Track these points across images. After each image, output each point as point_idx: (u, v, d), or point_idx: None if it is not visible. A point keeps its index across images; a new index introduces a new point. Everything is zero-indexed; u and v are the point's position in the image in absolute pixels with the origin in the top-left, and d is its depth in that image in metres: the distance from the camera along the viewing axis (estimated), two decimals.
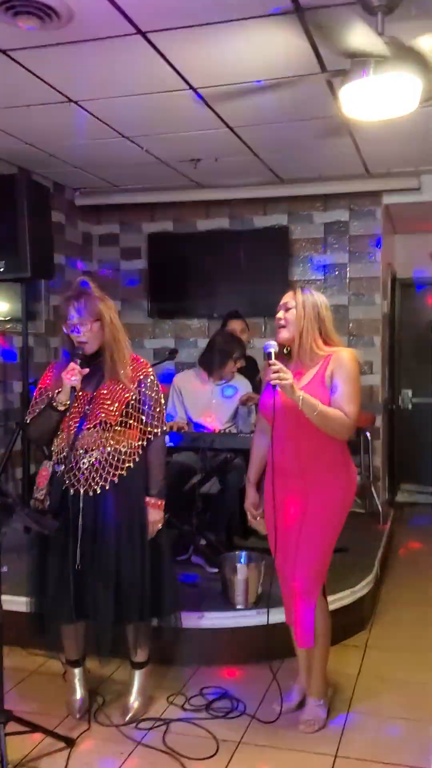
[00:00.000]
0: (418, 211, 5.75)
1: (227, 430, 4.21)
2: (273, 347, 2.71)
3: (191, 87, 3.66)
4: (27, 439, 2.91)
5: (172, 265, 6.06)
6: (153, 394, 2.89)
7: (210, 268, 5.97)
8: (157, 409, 2.89)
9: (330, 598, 3.63)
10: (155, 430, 2.89)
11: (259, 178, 5.48)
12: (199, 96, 3.76)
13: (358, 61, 2.77)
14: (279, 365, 2.66)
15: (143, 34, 3.08)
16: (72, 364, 2.72)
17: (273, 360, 2.68)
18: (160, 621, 3.02)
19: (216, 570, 4.00)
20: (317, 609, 2.86)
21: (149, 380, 2.89)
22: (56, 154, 4.91)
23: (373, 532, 5.03)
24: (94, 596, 2.79)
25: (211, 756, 2.73)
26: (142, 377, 2.88)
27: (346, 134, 4.45)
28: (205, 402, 4.46)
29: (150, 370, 2.93)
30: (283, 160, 5.06)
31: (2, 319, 5.17)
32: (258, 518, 3.22)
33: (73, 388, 2.70)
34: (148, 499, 2.88)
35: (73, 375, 2.69)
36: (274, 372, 2.64)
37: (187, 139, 4.53)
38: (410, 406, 7.04)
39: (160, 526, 2.92)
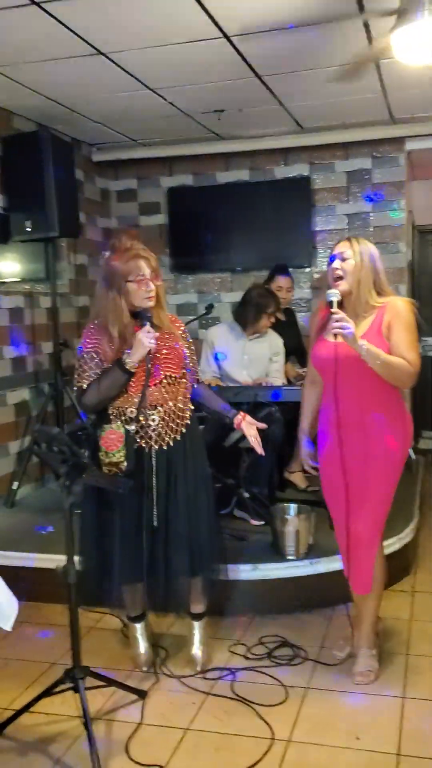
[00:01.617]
0: None
1: (268, 383, 4.22)
2: (335, 296, 2.70)
3: (225, 35, 3.55)
4: (82, 405, 2.86)
5: (193, 219, 5.97)
6: (192, 346, 3.01)
7: (231, 221, 5.88)
8: (195, 359, 3.04)
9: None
10: (198, 377, 3.05)
11: (281, 128, 5.36)
12: (232, 44, 3.65)
13: (408, 2, 2.69)
14: (342, 314, 2.65)
15: None
16: (148, 326, 2.72)
17: (335, 309, 2.66)
18: (214, 573, 3.07)
19: (261, 522, 4.05)
20: (376, 556, 2.91)
21: (184, 331, 3.00)
22: (77, 110, 4.79)
23: (405, 479, 5.06)
24: (168, 553, 2.83)
25: (282, 702, 2.81)
26: (181, 329, 2.97)
27: (375, 79, 4.35)
28: (238, 357, 4.46)
29: (180, 321, 3.04)
30: (307, 108, 4.93)
31: (25, 278, 5.11)
32: (302, 470, 3.22)
33: (148, 350, 2.71)
34: (236, 418, 3.01)
35: (152, 337, 2.71)
36: (337, 321, 2.63)
37: (213, 89, 4.41)
38: (431, 354, 7.03)
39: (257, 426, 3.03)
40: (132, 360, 2.72)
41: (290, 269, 5.25)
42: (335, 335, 2.65)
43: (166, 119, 5.03)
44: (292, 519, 3.63)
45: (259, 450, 3.01)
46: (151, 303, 2.78)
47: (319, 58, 3.92)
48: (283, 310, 4.92)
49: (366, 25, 3.49)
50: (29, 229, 4.65)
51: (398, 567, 3.90)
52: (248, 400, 3.89)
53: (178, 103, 4.68)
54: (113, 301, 2.77)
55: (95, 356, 2.82)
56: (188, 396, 2.94)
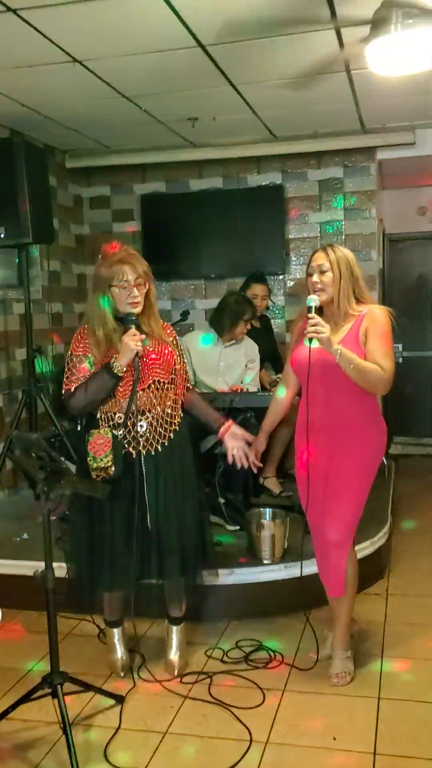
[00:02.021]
0: (412, 166, 5.76)
1: (245, 389, 4.25)
2: (315, 302, 2.75)
3: (199, 43, 3.59)
4: (69, 408, 2.86)
5: (166, 227, 6.00)
6: (182, 353, 3.02)
7: (204, 228, 5.93)
8: (186, 366, 3.04)
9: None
10: (189, 384, 3.05)
11: (254, 136, 5.42)
12: (206, 52, 3.70)
13: (383, 14, 2.75)
14: (317, 319, 2.69)
15: None
16: (133, 329, 2.72)
17: (312, 314, 2.71)
18: (200, 578, 3.08)
19: (237, 527, 4.08)
20: (349, 559, 2.95)
21: (176, 337, 3.01)
22: (52, 116, 4.80)
23: (378, 484, 5.12)
24: (159, 558, 2.85)
25: (260, 704, 2.83)
26: (171, 335, 2.98)
27: (346, 89, 4.43)
28: (213, 363, 4.49)
29: (172, 327, 3.06)
30: (280, 117, 5.01)
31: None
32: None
33: (135, 354, 2.71)
34: (222, 429, 3.00)
35: (138, 341, 2.71)
36: (312, 325, 2.67)
37: (187, 97, 4.46)
38: (401, 360, 7.11)
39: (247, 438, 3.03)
40: (119, 364, 2.72)
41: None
42: (310, 339, 2.70)
43: (141, 126, 5.07)
44: (268, 524, 3.66)
45: (239, 464, 3.00)
46: (135, 309, 2.79)
47: (291, 68, 3.98)
48: (259, 317, 4.96)
49: (338, 33, 3.54)
50: (2, 235, 4.63)
51: (372, 570, 3.96)
52: (224, 406, 3.90)
53: (152, 110, 4.71)
54: (98, 305, 2.80)
55: (83, 360, 2.83)
56: (178, 402, 2.93)
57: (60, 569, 2.92)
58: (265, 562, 3.64)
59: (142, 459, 2.81)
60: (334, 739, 2.59)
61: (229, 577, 3.58)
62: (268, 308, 5.29)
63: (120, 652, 3.13)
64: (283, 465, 4.83)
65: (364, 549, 3.84)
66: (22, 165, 4.52)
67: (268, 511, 3.79)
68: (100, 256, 2.86)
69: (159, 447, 2.84)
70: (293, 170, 5.84)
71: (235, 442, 2.99)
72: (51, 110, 4.68)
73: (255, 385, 4.58)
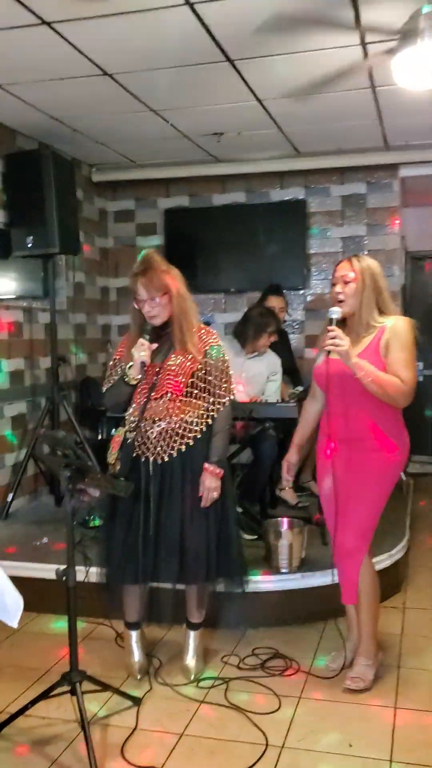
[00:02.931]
0: None
1: (264, 400, 4.28)
2: (336, 314, 2.76)
3: (228, 58, 3.67)
4: (104, 407, 3.00)
5: (189, 241, 6.08)
6: (219, 364, 2.92)
7: (226, 242, 6.01)
8: (223, 379, 2.93)
9: (378, 558, 3.75)
10: (221, 400, 2.92)
11: (278, 151, 5.49)
12: (235, 67, 3.78)
13: (411, 26, 2.80)
14: (336, 331, 2.71)
15: (190, 5, 3.10)
16: (141, 340, 2.78)
17: (332, 326, 2.73)
18: (227, 585, 3.10)
19: (254, 537, 4.08)
20: (363, 568, 2.94)
21: (215, 350, 2.93)
22: (80, 129, 4.90)
23: (397, 500, 5.12)
24: (157, 561, 2.88)
25: (275, 710, 2.83)
26: (208, 348, 2.92)
27: (371, 106, 4.49)
28: (235, 374, 4.49)
29: (216, 340, 2.97)
30: (304, 133, 5.08)
31: (23, 296, 5.18)
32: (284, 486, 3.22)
33: (142, 363, 2.77)
34: (206, 465, 2.91)
35: (143, 350, 2.75)
36: (331, 338, 2.70)
37: (214, 112, 4.54)
38: (421, 378, 7.13)
39: (216, 495, 2.91)
40: (130, 373, 2.80)
41: (284, 291, 5.35)
42: (329, 351, 2.72)
43: (166, 141, 5.15)
44: (285, 533, 3.67)
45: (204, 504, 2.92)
46: (153, 322, 2.86)
47: (315, 80, 4.03)
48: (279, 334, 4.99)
49: (363, 43, 3.57)
50: (30, 245, 4.73)
51: (390, 583, 3.94)
52: (243, 416, 3.94)
53: (179, 125, 4.80)
54: (130, 316, 2.98)
55: (118, 364, 2.95)
56: (202, 416, 2.89)
57: (79, 573, 2.97)
58: (282, 571, 3.65)
59: (150, 465, 2.86)
60: (350, 745, 2.59)
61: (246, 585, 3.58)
62: (284, 321, 5.32)
63: (137, 655, 3.14)
64: (298, 478, 4.83)
65: (382, 562, 3.83)
66: (50, 176, 4.63)
67: (285, 521, 3.80)
68: None
69: (167, 457, 2.87)
70: (316, 185, 5.90)
71: (212, 483, 2.90)
72: (80, 123, 4.79)
73: (276, 397, 4.60)
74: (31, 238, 4.71)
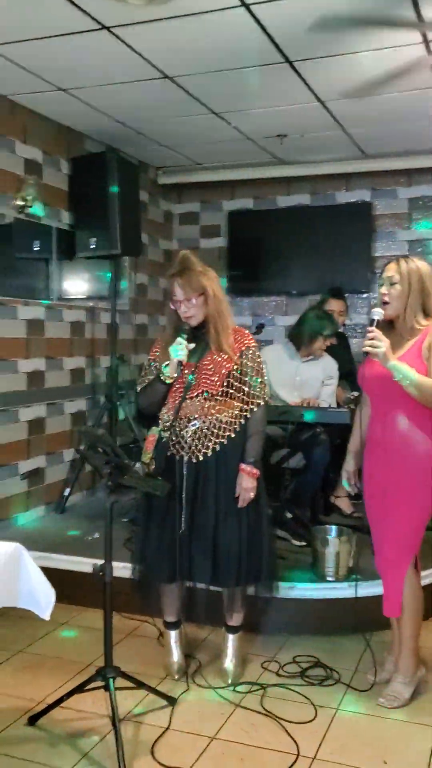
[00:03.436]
0: None
1: (317, 404, 4.22)
2: (378, 315, 2.71)
3: (287, 59, 3.64)
4: (138, 407, 3.03)
5: (252, 243, 6.08)
6: (254, 365, 2.93)
7: (290, 244, 5.96)
8: (259, 380, 2.93)
9: (426, 572, 3.64)
10: (256, 401, 2.93)
11: (343, 153, 5.42)
12: (294, 68, 3.75)
13: None
14: (375, 333, 2.65)
15: (246, 6, 3.09)
16: (179, 339, 2.79)
17: (371, 327, 2.68)
18: (257, 589, 3.08)
19: (303, 543, 4.04)
20: (406, 581, 2.86)
21: (251, 351, 2.93)
22: (144, 132, 4.96)
23: None
24: (191, 560, 2.89)
25: (311, 721, 2.78)
26: (244, 348, 2.93)
27: None
28: (290, 378, 4.46)
29: (252, 341, 2.97)
30: (369, 134, 4.99)
31: (88, 296, 5.30)
32: (348, 495, 3.18)
33: (179, 362, 2.78)
34: (243, 465, 2.92)
35: (181, 349, 2.77)
36: (369, 339, 2.65)
37: (276, 113, 4.52)
38: None
39: (251, 495, 2.93)
40: (166, 371, 2.82)
41: (348, 294, 5.27)
42: (366, 353, 2.68)
43: (230, 143, 5.16)
44: (333, 540, 3.61)
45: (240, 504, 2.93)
46: (191, 322, 2.87)
47: (376, 80, 3.95)
48: (336, 335, 4.92)
49: (425, 40, 3.48)
50: (93, 247, 4.82)
51: None
52: (294, 420, 3.90)
53: (241, 127, 4.80)
54: (166, 316, 3.00)
55: (153, 364, 2.98)
56: (237, 416, 2.91)
57: (125, 569, 3.02)
58: (328, 579, 3.59)
59: (184, 464, 2.87)
60: (385, 762, 2.52)
61: (290, 591, 3.54)
62: (344, 324, 5.23)
63: (176, 655, 3.16)
64: (327, 495, 4.72)
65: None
66: (114, 179, 4.71)
67: (334, 528, 3.74)
68: None
69: (201, 456, 2.87)
70: (382, 188, 5.79)
71: (248, 484, 2.91)
72: (144, 126, 4.85)
73: (329, 402, 4.53)
74: (95, 239, 4.80)
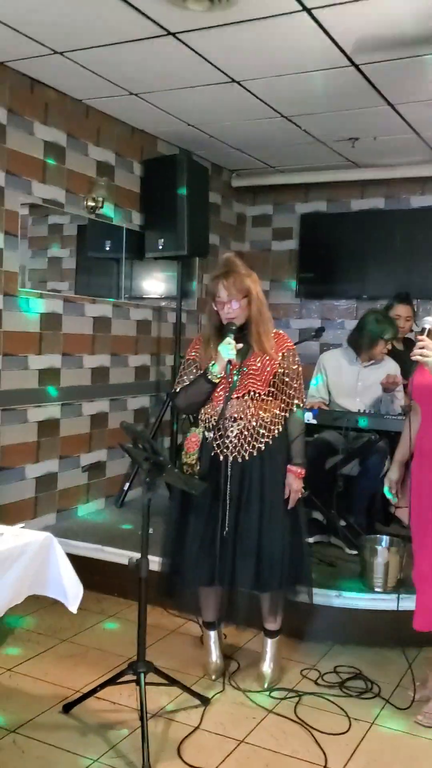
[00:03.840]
0: None
1: (371, 411, 4.14)
2: (430, 323, 2.65)
3: (353, 63, 3.60)
4: (175, 407, 3.05)
5: (323, 246, 6.02)
6: (295, 367, 2.99)
7: (362, 249, 5.87)
8: (299, 382, 3.00)
9: None
10: (297, 402, 2.99)
11: (418, 156, 5.29)
12: (359, 70, 3.70)
13: None
14: (426, 341, 2.59)
15: (308, 10, 3.07)
16: (228, 339, 2.81)
17: (423, 336, 2.62)
18: (292, 594, 3.06)
19: (356, 552, 3.98)
20: None
21: (291, 353, 2.99)
22: (216, 135, 5.00)
23: None
24: (234, 562, 2.89)
25: (343, 733, 2.75)
26: (284, 350, 2.97)
27: None
28: (351, 383, 4.39)
29: (291, 344, 3.03)
30: None
31: (159, 294, 5.40)
32: (399, 505, 3.13)
33: (229, 362, 2.80)
34: (291, 467, 2.96)
35: (231, 349, 2.79)
36: (419, 347, 2.59)
37: (345, 117, 4.47)
38: None
39: (299, 495, 2.98)
40: (214, 371, 2.83)
41: (421, 300, 5.15)
42: (416, 362, 2.62)
43: (302, 146, 5.13)
44: (382, 551, 3.54)
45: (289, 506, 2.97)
46: (234, 323, 2.87)
47: None
48: (402, 340, 4.82)
49: None
50: (161, 247, 4.91)
51: None
52: (349, 426, 3.85)
53: (312, 130, 4.77)
54: (207, 315, 3.01)
55: (192, 364, 2.99)
56: (279, 417, 2.95)
57: (158, 564, 3.06)
58: (376, 589, 3.53)
59: (229, 464, 2.88)
60: None
61: (336, 599, 3.51)
62: (411, 330, 5.10)
63: (215, 655, 3.17)
64: (386, 504, 4.61)
65: None
66: (184, 181, 4.77)
67: (385, 538, 3.66)
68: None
69: (246, 455, 2.88)
70: None
71: (291, 486, 2.96)
72: (214, 130, 4.88)
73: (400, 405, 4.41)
74: (162, 240, 4.88)
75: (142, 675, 2.66)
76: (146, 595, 2.73)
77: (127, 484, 4.94)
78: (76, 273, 4.69)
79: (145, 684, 2.66)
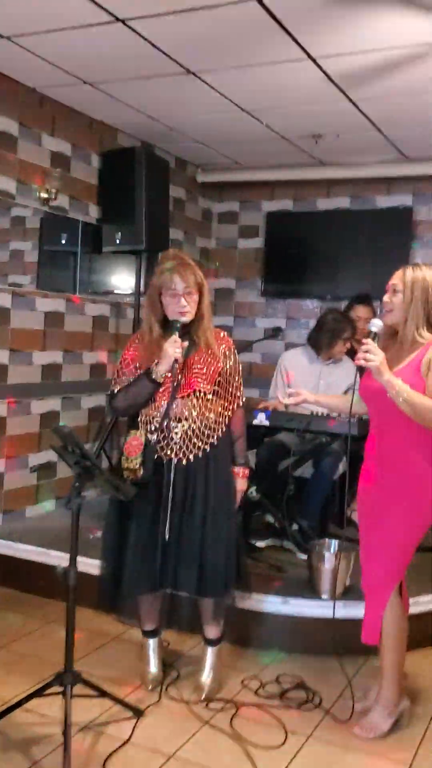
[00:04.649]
0: None
1: (326, 414, 4.05)
2: (375, 326, 2.57)
3: (309, 56, 3.51)
4: (113, 409, 2.92)
5: (289, 245, 5.94)
6: (237, 365, 2.92)
7: (327, 248, 5.80)
8: (239, 380, 2.93)
9: (425, 598, 3.47)
10: (238, 400, 2.92)
11: (383, 156, 5.23)
12: (320, 67, 3.61)
13: None
14: (370, 345, 2.51)
15: (259, 1, 2.98)
16: (174, 337, 2.70)
17: (368, 339, 2.54)
18: (233, 600, 2.97)
19: (306, 557, 3.89)
20: (388, 608, 2.70)
21: (232, 351, 2.92)
22: (177, 128, 4.89)
23: None
24: (176, 567, 2.80)
25: (278, 747, 2.65)
26: (226, 348, 2.89)
27: None
28: (312, 382, 4.31)
29: (231, 341, 2.96)
30: (410, 137, 4.79)
31: (113, 291, 5.27)
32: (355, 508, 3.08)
33: (175, 360, 2.69)
34: (236, 469, 2.91)
35: (177, 347, 2.69)
36: (363, 351, 2.50)
37: (307, 113, 4.38)
38: None
39: (242, 494, 2.96)
40: (158, 370, 2.71)
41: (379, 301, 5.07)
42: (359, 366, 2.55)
43: (266, 143, 5.04)
44: (329, 556, 3.45)
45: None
46: (184, 318, 2.77)
47: (417, 85, 3.78)
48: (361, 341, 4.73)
49: None
50: (119, 241, 4.79)
51: None
52: (300, 428, 3.76)
53: (273, 125, 4.67)
54: (149, 311, 2.85)
55: (131, 363, 2.87)
56: (223, 416, 2.87)
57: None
58: (322, 596, 3.44)
59: (173, 466, 2.77)
60: None
61: (282, 606, 3.42)
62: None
63: (153, 665, 3.07)
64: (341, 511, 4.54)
65: None
66: (142, 174, 4.66)
67: (333, 543, 3.58)
68: (157, 263, 2.88)
69: (191, 457, 2.78)
70: (425, 192, 5.55)
71: (237, 488, 2.94)
72: (176, 122, 4.78)
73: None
74: (120, 234, 4.77)
75: (69, 687, 2.54)
76: (75, 604, 2.61)
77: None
78: (37, 266, 4.56)
79: (75, 695, 2.55)
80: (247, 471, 2.96)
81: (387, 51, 3.40)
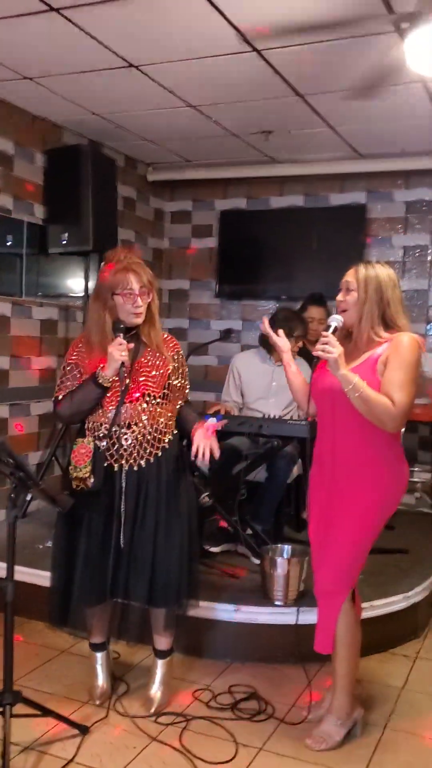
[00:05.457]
0: None
1: (279, 416, 3.98)
2: (335, 321, 2.52)
3: (254, 49, 3.42)
4: (58, 417, 2.79)
5: (243, 244, 5.85)
6: (184, 367, 2.86)
7: (282, 247, 5.73)
8: (185, 382, 2.86)
9: (380, 602, 3.41)
10: (186, 395, 2.88)
11: (336, 152, 5.17)
12: (264, 58, 3.52)
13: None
14: (329, 338, 2.44)
15: None
16: (119, 339, 2.60)
17: (327, 333, 2.46)
18: (184, 609, 2.87)
19: (259, 562, 3.80)
20: (341, 615, 2.62)
21: (179, 354, 2.85)
22: (123, 125, 4.77)
23: (425, 536, 4.66)
24: (127, 577, 2.69)
25: (228, 761, 2.56)
26: (174, 351, 2.82)
27: (426, 104, 4.11)
28: (264, 383, 4.24)
29: (177, 342, 2.89)
30: (361, 133, 4.74)
31: (62, 292, 5.13)
32: None
33: (122, 364, 2.58)
34: (195, 426, 2.76)
35: (123, 350, 2.58)
36: (322, 343, 2.43)
37: (255, 108, 4.29)
38: None
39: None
40: (105, 374, 2.60)
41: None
42: (317, 358, 2.47)
43: (216, 139, 4.95)
44: (282, 562, 3.36)
45: (199, 460, 2.70)
46: (138, 320, 2.68)
47: (355, 75, 3.72)
48: (315, 341, 4.67)
49: (399, 31, 3.22)
50: (65, 242, 4.66)
51: (404, 629, 3.58)
52: (251, 431, 3.67)
53: (222, 122, 4.58)
54: (97, 313, 2.71)
55: (75, 368, 2.75)
56: (173, 419, 2.79)
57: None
58: (276, 603, 3.36)
59: (123, 473, 2.67)
60: None
61: (235, 613, 3.33)
62: None
63: (100, 678, 2.96)
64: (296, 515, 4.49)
65: (395, 604, 3.49)
66: (88, 173, 4.53)
67: (286, 548, 3.50)
68: (103, 262, 2.76)
69: (143, 463, 2.68)
70: (378, 190, 5.52)
71: (203, 440, 2.70)
72: (121, 119, 4.65)
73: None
74: (66, 234, 4.63)
75: (8, 707, 2.41)
76: (13, 620, 2.49)
77: (30, 494, 4.66)
78: None
79: (16, 715, 2.42)
80: (204, 422, 2.76)
81: (328, 42, 3.33)
